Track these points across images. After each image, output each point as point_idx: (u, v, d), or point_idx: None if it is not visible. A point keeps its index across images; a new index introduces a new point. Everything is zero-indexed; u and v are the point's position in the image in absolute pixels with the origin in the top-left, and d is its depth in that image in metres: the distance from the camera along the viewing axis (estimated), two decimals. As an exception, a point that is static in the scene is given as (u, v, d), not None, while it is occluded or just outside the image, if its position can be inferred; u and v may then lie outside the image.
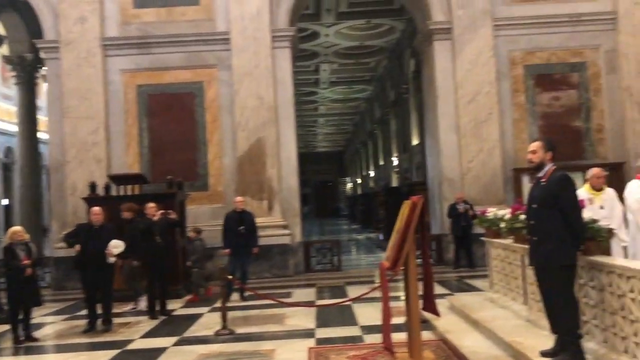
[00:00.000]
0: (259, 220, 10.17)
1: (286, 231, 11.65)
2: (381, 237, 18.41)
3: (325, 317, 7.54)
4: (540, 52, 12.15)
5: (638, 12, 11.77)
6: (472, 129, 11.76)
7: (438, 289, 8.87)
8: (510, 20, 12.04)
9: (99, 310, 7.47)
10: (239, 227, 9.12)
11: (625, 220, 6.71)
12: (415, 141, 21.25)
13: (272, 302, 7.61)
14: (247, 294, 9.04)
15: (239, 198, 9.70)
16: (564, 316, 4.29)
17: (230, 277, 7.89)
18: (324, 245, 12.92)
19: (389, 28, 20.23)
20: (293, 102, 12.24)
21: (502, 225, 6.21)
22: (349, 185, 51.89)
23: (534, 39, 12.11)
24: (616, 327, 4.13)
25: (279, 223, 11.62)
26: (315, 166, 53.28)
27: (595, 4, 12.12)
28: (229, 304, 8.35)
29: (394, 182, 26.51)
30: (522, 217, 5.46)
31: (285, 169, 11.94)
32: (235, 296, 9.06)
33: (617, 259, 4.57)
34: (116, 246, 7.29)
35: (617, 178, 10.99)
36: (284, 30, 12.05)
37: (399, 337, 5.34)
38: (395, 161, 26.58)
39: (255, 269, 10.96)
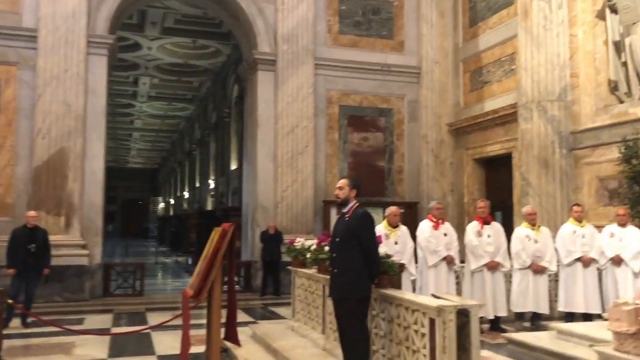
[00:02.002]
0: (53, 238, 9.26)
1: (84, 251, 10.74)
2: (190, 261, 17.94)
3: (119, 346, 7.02)
4: (355, 95, 13.06)
5: (437, 70, 13.29)
6: (288, 160, 12.12)
7: (243, 317, 8.86)
8: (330, 61, 12.77)
9: None
10: (29, 244, 8.24)
11: (415, 256, 7.41)
12: (233, 166, 21.27)
13: (59, 329, 6.89)
14: (30, 319, 8.10)
15: (31, 212, 8.72)
16: (355, 346, 4.50)
17: (10, 300, 7.00)
18: (126, 267, 12.14)
19: (215, 50, 20.20)
20: (105, 112, 11.47)
21: (308, 255, 6.40)
22: (161, 205, 49.97)
23: (349, 82, 12.98)
24: (401, 357, 4.44)
25: (76, 242, 10.67)
26: (126, 182, 50.50)
27: (403, 57, 13.42)
28: (7, 331, 7.41)
29: (209, 206, 26.17)
30: (327, 248, 5.68)
31: (89, 184, 11.05)
32: (16, 322, 8.06)
33: (405, 293, 4.94)
34: None
35: (411, 216, 12.14)
36: (101, 36, 11.31)
37: (198, 367, 5.17)
38: (212, 184, 26.30)
39: (45, 291, 9.91)
